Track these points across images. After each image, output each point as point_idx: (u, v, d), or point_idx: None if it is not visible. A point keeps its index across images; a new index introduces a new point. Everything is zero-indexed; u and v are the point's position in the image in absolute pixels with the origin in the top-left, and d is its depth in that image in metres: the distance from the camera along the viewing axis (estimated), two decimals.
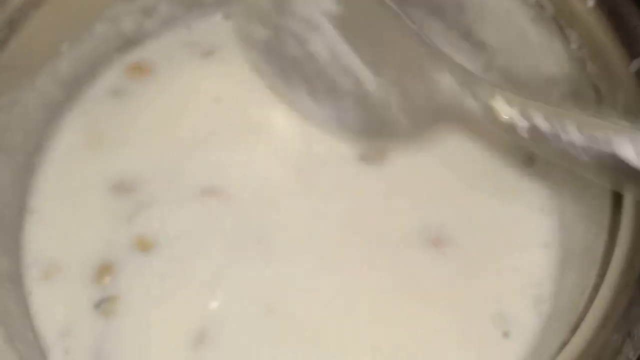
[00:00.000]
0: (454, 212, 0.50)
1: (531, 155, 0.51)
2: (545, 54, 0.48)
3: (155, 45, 0.58)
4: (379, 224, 0.49)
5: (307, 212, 0.50)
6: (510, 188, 0.51)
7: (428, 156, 0.51)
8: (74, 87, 0.55)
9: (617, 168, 0.34)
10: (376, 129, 0.50)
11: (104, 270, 0.49)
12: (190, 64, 0.57)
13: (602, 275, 0.36)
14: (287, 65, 0.51)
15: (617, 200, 0.39)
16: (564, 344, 0.35)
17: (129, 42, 0.58)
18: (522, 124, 0.38)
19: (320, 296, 0.47)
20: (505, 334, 0.45)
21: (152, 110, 0.55)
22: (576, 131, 0.35)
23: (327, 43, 0.48)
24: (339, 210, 0.50)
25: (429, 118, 0.46)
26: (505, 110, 0.39)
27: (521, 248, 0.49)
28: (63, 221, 0.51)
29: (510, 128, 0.39)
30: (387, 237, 0.49)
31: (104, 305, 0.47)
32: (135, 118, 0.55)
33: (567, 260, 0.46)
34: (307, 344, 0.46)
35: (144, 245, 0.49)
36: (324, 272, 0.48)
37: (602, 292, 0.35)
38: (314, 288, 0.47)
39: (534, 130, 0.38)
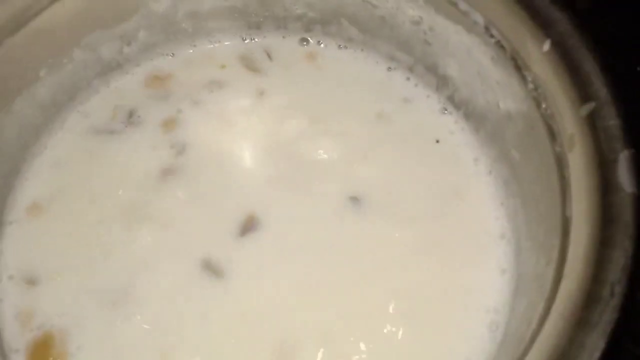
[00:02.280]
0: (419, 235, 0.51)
1: None
2: (504, 91, 0.49)
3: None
4: None
5: None
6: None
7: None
8: (53, 111, 0.55)
9: None
10: None
11: None
12: None
13: (548, 307, 0.37)
14: None
15: (565, 231, 0.40)
16: None
17: (109, 68, 0.58)
18: None
19: None
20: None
21: None
22: None
23: None
24: None
25: None
26: None
27: (481, 273, 0.49)
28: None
29: None
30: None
31: None
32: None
33: (520, 287, 0.47)
34: None
35: None
36: None
37: (547, 328, 0.35)
38: None
39: None
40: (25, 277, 0.50)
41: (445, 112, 0.56)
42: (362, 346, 0.46)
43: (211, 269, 0.48)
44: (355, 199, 0.51)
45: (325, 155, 0.53)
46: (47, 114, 0.55)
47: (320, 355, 0.45)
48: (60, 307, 0.48)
